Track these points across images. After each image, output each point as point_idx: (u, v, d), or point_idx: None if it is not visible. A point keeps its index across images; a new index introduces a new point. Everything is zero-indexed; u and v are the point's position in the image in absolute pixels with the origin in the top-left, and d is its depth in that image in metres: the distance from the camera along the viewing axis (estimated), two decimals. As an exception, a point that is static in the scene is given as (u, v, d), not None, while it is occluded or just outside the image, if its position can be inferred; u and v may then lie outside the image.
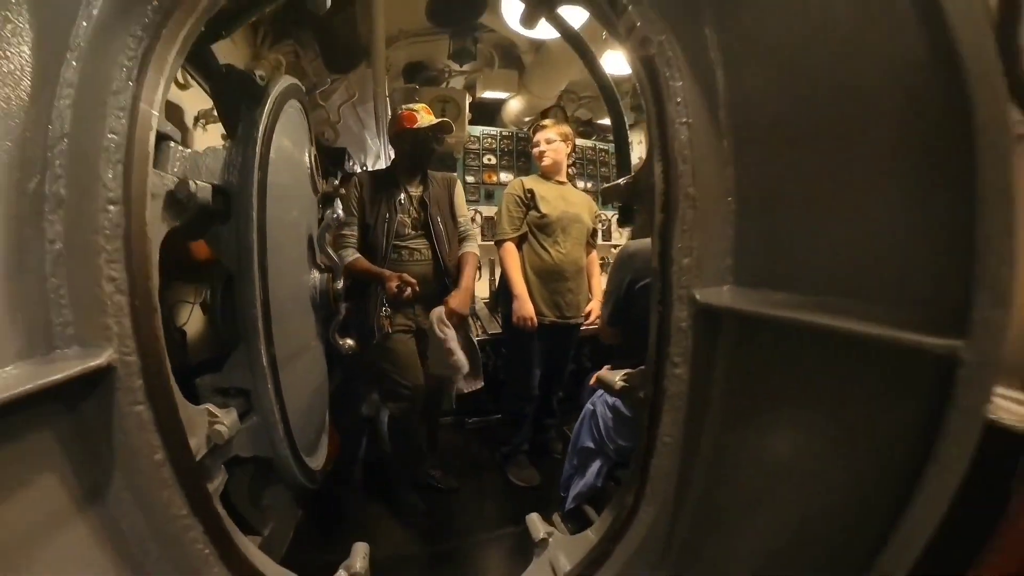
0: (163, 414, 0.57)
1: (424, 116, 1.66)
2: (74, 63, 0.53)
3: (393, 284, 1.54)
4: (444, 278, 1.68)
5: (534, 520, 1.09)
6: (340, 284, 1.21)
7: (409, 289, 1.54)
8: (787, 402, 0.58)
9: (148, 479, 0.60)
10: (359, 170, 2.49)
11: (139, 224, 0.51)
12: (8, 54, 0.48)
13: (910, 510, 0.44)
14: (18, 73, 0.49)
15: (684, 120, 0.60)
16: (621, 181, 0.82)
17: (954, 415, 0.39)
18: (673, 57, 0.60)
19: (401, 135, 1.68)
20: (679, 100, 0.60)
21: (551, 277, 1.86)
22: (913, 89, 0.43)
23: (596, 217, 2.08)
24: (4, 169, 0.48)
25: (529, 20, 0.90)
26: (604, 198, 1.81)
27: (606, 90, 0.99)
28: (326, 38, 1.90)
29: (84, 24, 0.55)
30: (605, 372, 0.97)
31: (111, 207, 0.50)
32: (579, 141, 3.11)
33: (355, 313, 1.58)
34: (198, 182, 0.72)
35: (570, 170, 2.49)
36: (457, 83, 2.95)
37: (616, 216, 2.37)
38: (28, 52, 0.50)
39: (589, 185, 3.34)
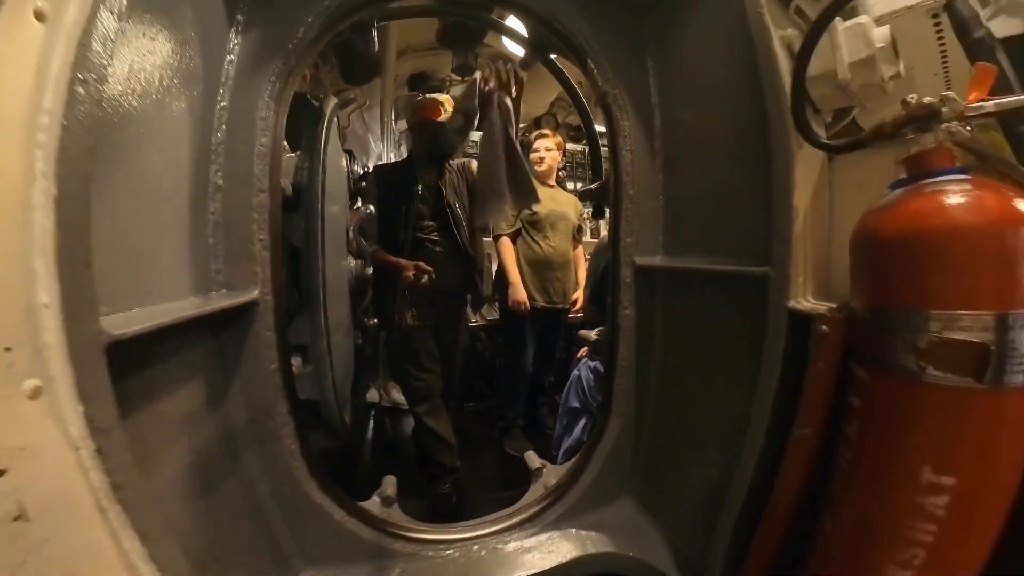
0: (280, 339, 0.86)
1: (450, 109, 1.68)
2: (227, 92, 0.82)
3: (409, 272, 1.60)
4: (466, 265, 1.72)
5: (531, 455, 1.39)
6: (370, 270, 1.49)
7: (426, 276, 1.59)
8: (697, 326, 0.91)
9: (263, 386, 0.88)
10: (360, 168, 2.72)
11: (276, 205, 0.81)
12: (188, 78, 0.76)
13: (760, 378, 0.76)
14: (193, 96, 0.78)
15: (628, 148, 0.93)
16: (593, 186, 1.15)
17: (771, 308, 0.71)
18: (623, 104, 0.93)
19: (423, 126, 1.71)
20: (626, 134, 0.93)
21: (542, 267, 2.17)
22: (750, 132, 0.76)
23: (581, 215, 2.41)
24: (190, 162, 0.77)
25: (528, 65, 1.23)
26: (581, 198, 2.13)
27: (584, 115, 1.32)
28: (344, 54, 2.20)
29: (228, 68, 0.84)
30: (584, 331, 1.29)
31: (261, 193, 0.79)
32: (569, 145, 3.46)
33: (379, 303, 1.68)
34: (284, 180, 1.01)
35: (561, 173, 2.84)
36: (457, 91, 3.27)
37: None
38: (199, 82, 0.79)
39: (579, 185, 3.68)
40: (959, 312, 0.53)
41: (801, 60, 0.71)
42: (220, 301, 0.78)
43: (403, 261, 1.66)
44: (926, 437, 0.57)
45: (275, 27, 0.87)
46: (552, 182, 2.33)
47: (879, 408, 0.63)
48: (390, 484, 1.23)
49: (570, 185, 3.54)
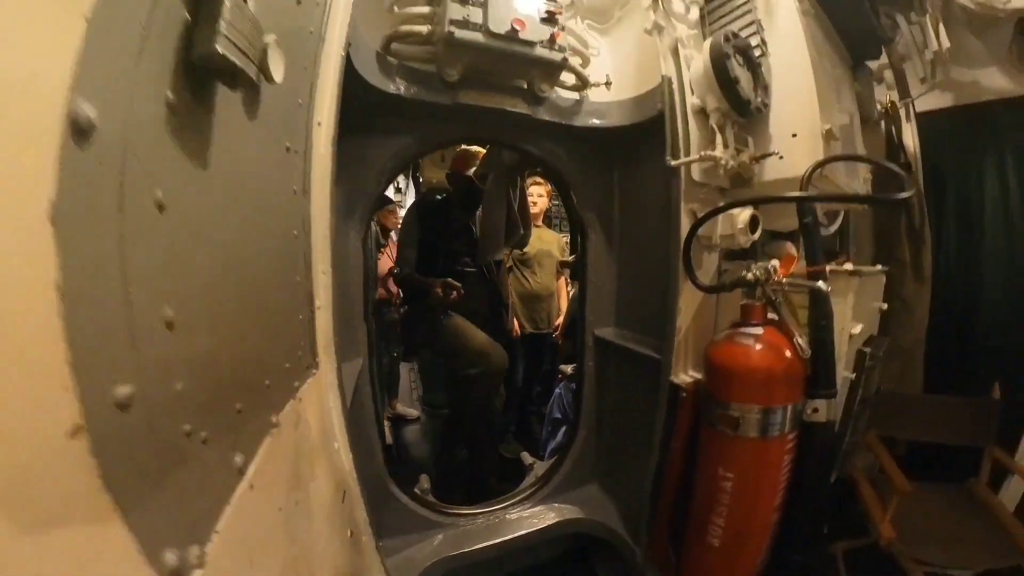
0: (372, 387, 1.39)
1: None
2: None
3: (438, 289, 1.82)
4: (495, 298, 2.05)
5: (525, 455, 1.99)
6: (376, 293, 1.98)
7: (455, 292, 1.83)
8: (630, 378, 1.50)
9: (367, 414, 1.41)
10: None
11: (369, 304, 1.33)
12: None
13: (656, 417, 1.36)
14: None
15: (594, 251, 1.49)
16: (571, 259, 1.71)
17: (661, 379, 1.31)
18: (593, 223, 1.49)
19: (470, 180, 1.99)
20: (593, 241, 1.49)
21: (530, 300, 2.72)
22: (663, 263, 1.33)
23: (563, 250, 2.94)
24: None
25: (522, 171, 1.77)
26: (561, 266, 2.65)
27: (566, 201, 1.84)
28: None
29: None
30: (563, 366, 1.87)
31: (360, 297, 1.31)
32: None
33: (407, 326, 2.04)
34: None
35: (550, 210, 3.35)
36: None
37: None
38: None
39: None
40: (740, 404, 1.12)
41: (690, 234, 1.26)
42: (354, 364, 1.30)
43: (431, 280, 1.92)
44: (720, 455, 1.18)
45: (357, 185, 1.36)
46: (538, 223, 2.86)
47: (706, 440, 1.23)
48: (425, 480, 1.80)
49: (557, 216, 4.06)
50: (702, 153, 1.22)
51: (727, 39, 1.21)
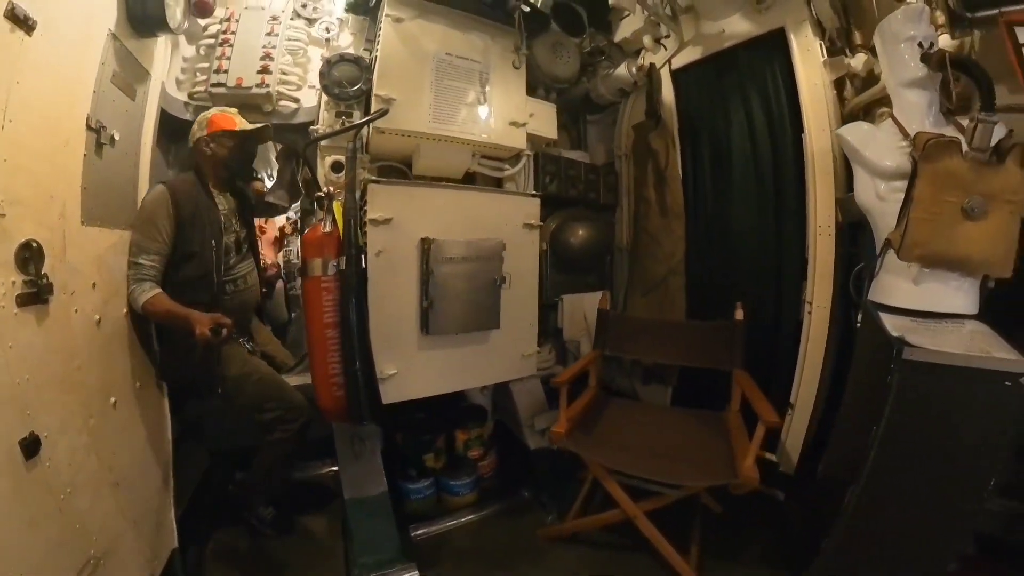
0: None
1: (241, 120, 1.85)
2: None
3: (206, 329, 1.44)
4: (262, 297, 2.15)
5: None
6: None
7: (225, 330, 1.49)
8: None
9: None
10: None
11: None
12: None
13: None
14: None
15: None
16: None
17: None
18: None
19: (218, 138, 1.78)
20: None
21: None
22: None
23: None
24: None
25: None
26: None
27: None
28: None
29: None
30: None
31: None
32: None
33: (173, 357, 1.61)
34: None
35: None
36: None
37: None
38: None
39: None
40: (305, 258, 2.09)
41: (311, 170, 2.28)
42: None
43: (195, 314, 1.53)
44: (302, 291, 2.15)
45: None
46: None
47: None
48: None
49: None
50: (312, 126, 2.27)
51: (329, 61, 2.25)
